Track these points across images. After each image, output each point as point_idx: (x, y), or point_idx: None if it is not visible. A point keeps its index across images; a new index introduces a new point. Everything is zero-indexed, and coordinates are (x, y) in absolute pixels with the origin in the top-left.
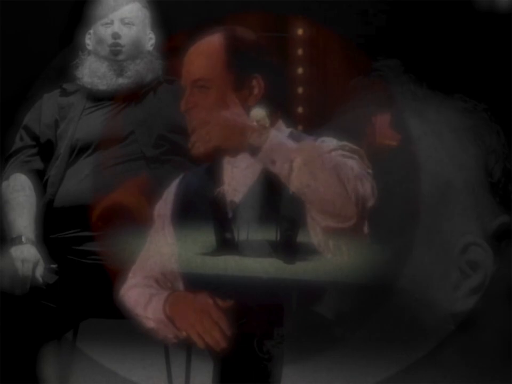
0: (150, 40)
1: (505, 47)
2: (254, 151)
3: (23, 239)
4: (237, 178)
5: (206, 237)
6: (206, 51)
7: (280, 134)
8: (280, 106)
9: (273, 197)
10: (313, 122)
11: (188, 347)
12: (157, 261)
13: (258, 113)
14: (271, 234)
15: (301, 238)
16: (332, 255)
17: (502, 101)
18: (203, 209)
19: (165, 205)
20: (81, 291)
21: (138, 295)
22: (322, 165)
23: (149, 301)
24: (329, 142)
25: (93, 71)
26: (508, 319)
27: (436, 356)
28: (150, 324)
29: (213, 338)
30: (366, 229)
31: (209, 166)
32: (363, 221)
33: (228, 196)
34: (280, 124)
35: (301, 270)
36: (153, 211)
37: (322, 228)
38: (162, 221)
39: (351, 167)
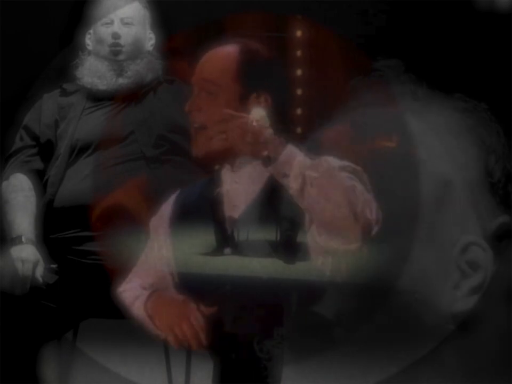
0: (150, 40)
1: (505, 47)
2: (267, 161)
3: (23, 239)
4: (237, 194)
5: (206, 237)
6: (220, 58)
7: (296, 149)
8: (284, 125)
9: (273, 197)
10: (312, 124)
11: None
12: (150, 271)
13: (258, 113)
14: (271, 234)
15: (301, 238)
16: (330, 273)
17: (502, 101)
18: (203, 210)
19: (161, 218)
20: (81, 291)
21: (126, 297)
22: (335, 184)
23: (134, 300)
24: (332, 162)
25: (93, 71)
26: (508, 319)
27: (435, 356)
28: (137, 323)
29: (188, 344)
30: (365, 250)
31: (209, 179)
32: (364, 244)
33: (227, 211)
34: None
35: (301, 270)
36: (149, 224)
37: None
38: (157, 231)
39: (361, 191)
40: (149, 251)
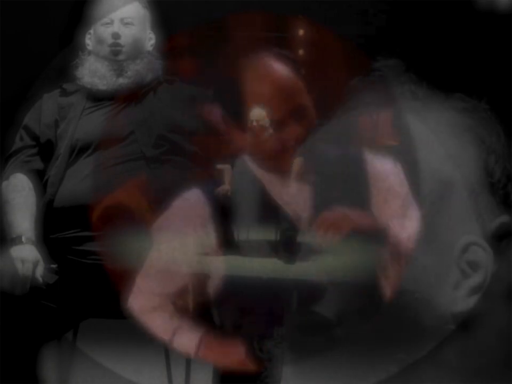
0: (150, 40)
1: (505, 47)
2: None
3: (23, 239)
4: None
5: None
6: (284, 82)
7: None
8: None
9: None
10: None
11: None
12: (167, 277)
13: (258, 113)
14: (271, 234)
15: (301, 238)
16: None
17: (502, 101)
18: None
19: (172, 216)
20: (81, 291)
21: (162, 324)
22: None
23: (174, 333)
24: None
25: (93, 71)
26: (508, 319)
27: (436, 356)
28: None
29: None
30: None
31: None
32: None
33: (293, 210)
34: None
35: (301, 270)
36: (157, 226)
37: None
38: (170, 232)
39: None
40: (163, 255)
